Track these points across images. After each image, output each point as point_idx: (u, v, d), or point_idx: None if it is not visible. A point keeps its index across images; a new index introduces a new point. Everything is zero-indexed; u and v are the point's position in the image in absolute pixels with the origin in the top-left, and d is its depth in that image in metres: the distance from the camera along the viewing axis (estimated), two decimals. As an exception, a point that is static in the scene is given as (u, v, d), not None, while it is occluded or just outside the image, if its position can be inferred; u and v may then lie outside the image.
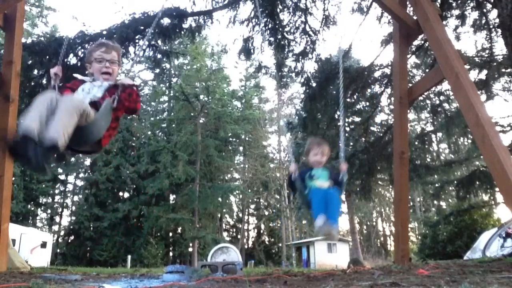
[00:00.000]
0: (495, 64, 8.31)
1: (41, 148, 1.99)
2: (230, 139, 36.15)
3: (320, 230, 3.00)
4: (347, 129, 13.62)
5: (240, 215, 39.15)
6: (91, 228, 32.35)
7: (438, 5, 7.01)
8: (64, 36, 8.30)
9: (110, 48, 2.87)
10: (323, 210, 3.00)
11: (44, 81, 8.20)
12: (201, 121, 33.49)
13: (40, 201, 35.76)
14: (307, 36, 9.41)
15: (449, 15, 8.51)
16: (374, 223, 44.08)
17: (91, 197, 33.14)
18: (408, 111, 5.76)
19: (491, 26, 7.99)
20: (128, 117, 36.40)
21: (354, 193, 11.08)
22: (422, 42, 8.06)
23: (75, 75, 2.87)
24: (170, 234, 34.39)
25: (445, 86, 8.66)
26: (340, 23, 19.95)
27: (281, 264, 29.04)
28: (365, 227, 43.30)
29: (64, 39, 7.84)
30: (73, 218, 34.59)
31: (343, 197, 24.12)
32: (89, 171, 35.71)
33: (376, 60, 9.42)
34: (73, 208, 36.42)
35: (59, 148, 2.05)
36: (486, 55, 8.42)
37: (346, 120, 14.70)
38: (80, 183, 37.30)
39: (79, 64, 8.14)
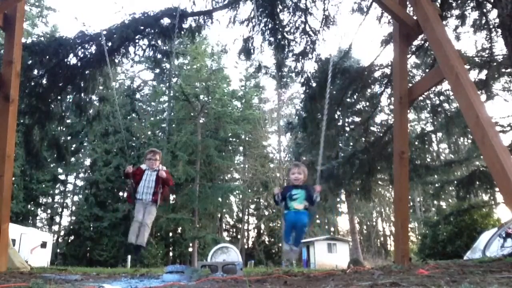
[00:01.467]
0: (495, 64, 8.31)
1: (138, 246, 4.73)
2: (230, 139, 36.11)
3: (285, 254, 4.70)
4: (347, 129, 13.62)
5: (240, 215, 39.14)
6: (91, 228, 32.32)
7: (438, 5, 7.02)
8: (64, 37, 8.29)
9: (155, 152, 5.00)
10: (289, 235, 4.09)
11: (44, 81, 8.21)
12: (201, 121, 33.48)
13: (40, 201, 35.74)
14: (307, 36, 9.40)
15: (449, 15, 8.51)
16: (374, 223, 44.06)
17: (91, 197, 33.12)
18: (408, 111, 5.76)
19: (491, 26, 7.99)
20: (128, 117, 36.46)
21: (354, 193, 11.08)
22: (422, 42, 8.06)
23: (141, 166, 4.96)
24: (170, 234, 34.38)
25: (445, 86, 8.66)
26: (340, 23, 19.98)
27: (281, 264, 29.01)
28: (365, 227, 43.26)
29: (65, 39, 7.87)
30: (73, 218, 34.57)
31: (343, 197, 24.21)
32: (89, 171, 35.68)
33: (376, 60, 9.42)
34: (73, 208, 36.40)
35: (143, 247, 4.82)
36: (486, 55, 8.42)
37: (346, 120, 14.69)
38: (80, 183, 37.29)
39: (79, 64, 8.15)
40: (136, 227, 4.68)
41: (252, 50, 9.76)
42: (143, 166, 4.93)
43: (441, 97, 9.55)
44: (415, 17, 5.36)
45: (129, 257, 25.01)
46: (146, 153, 5.09)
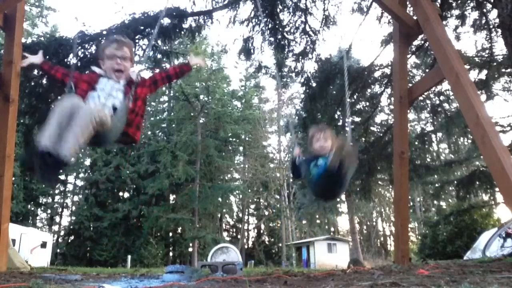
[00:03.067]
0: (495, 64, 8.31)
1: (52, 161, 2.09)
2: (230, 139, 36.11)
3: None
4: (347, 129, 13.60)
5: (240, 215, 39.14)
6: (91, 228, 32.32)
7: (438, 5, 7.01)
8: (64, 37, 8.29)
9: (121, 44, 2.84)
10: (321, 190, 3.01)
11: (44, 81, 8.20)
12: (201, 121, 33.47)
13: (40, 201, 35.73)
14: (307, 36, 9.40)
15: (449, 15, 8.50)
16: (374, 223, 44.05)
17: (91, 197, 33.12)
18: (408, 111, 5.76)
19: (491, 26, 7.99)
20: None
21: (354, 193, 11.08)
22: (422, 42, 8.05)
23: (92, 68, 2.91)
24: (170, 234, 34.37)
25: (445, 86, 8.67)
26: (340, 23, 19.99)
27: (281, 264, 29.02)
28: (365, 227, 43.25)
29: (65, 39, 7.85)
30: (73, 218, 34.57)
31: (343, 197, 24.18)
32: (89, 171, 35.68)
33: (376, 60, 9.43)
34: (73, 208, 36.40)
35: (69, 163, 2.16)
36: (486, 55, 8.42)
37: (346, 120, 14.68)
38: (80, 183, 37.29)
39: (79, 64, 8.14)
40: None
41: (252, 50, 9.75)
42: (97, 70, 2.91)
43: (441, 97, 9.56)
44: (415, 17, 5.36)
45: (129, 257, 25.03)
46: (103, 44, 3.02)
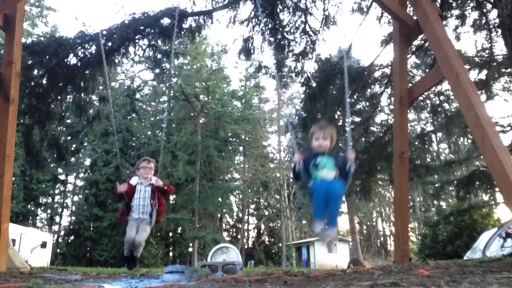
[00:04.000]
0: (495, 64, 8.31)
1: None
2: (230, 139, 36.12)
3: (319, 236, 3.07)
4: (347, 129, 13.59)
5: (240, 215, 39.13)
6: (91, 228, 32.31)
7: (438, 5, 7.02)
8: (64, 37, 8.29)
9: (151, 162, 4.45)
10: (322, 210, 3.03)
11: (44, 81, 8.20)
12: (201, 121, 33.47)
13: (40, 201, 35.71)
14: (307, 36, 9.40)
15: (449, 15, 8.51)
16: (374, 223, 44.05)
17: (91, 197, 33.10)
18: (408, 111, 5.76)
19: (491, 26, 7.99)
20: (128, 117, 36.46)
21: (354, 193, 11.07)
22: (422, 42, 8.06)
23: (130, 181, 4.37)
24: (170, 234, 34.36)
25: (445, 86, 8.66)
26: (340, 23, 19.94)
27: (281, 264, 29.01)
28: (365, 227, 43.25)
29: (65, 39, 7.84)
30: (73, 218, 34.56)
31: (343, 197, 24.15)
32: (89, 171, 35.66)
33: (376, 60, 9.43)
34: (73, 208, 36.39)
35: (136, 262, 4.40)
36: (486, 55, 8.42)
37: (346, 120, 14.67)
38: (80, 183, 37.26)
39: (79, 64, 8.15)
40: (128, 246, 4.09)
41: (252, 50, 9.75)
42: (133, 181, 4.33)
43: (441, 97, 9.55)
44: (415, 17, 5.36)
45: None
46: (138, 162, 4.50)
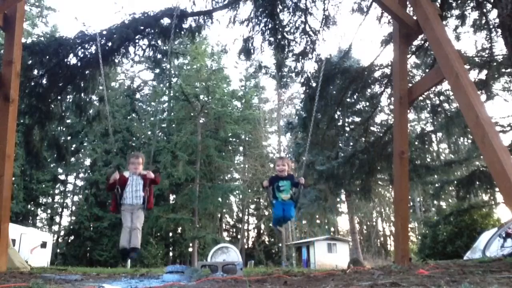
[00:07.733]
0: (495, 64, 8.31)
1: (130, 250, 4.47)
2: (230, 139, 36.10)
3: (277, 233, 4.82)
4: (347, 129, 13.61)
5: (240, 215, 39.12)
6: (91, 228, 32.31)
7: (438, 5, 7.02)
8: (64, 37, 8.29)
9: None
10: (278, 222, 4.69)
11: (44, 81, 8.20)
12: (201, 121, 33.46)
13: (40, 201, 35.71)
14: (307, 36, 9.40)
15: (449, 15, 8.50)
16: (374, 223, 44.03)
17: (91, 197, 33.09)
18: (408, 111, 5.76)
19: (491, 26, 7.98)
20: (128, 117, 36.45)
21: (354, 193, 11.08)
22: (422, 42, 8.05)
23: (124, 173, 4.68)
24: (170, 234, 34.37)
25: (445, 86, 8.65)
26: (340, 23, 19.99)
27: (281, 264, 29.02)
28: (365, 227, 43.24)
29: (65, 39, 7.84)
30: (73, 218, 34.55)
31: (343, 197, 24.20)
32: (89, 171, 35.66)
33: (376, 60, 9.41)
34: (73, 208, 36.38)
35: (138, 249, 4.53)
36: (486, 55, 8.41)
37: (346, 120, 14.69)
38: (80, 183, 37.26)
39: (79, 64, 8.15)
40: (126, 233, 4.43)
41: (252, 50, 9.74)
42: (126, 173, 4.69)
43: (441, 97, 9.54)
44: (415, 17, 5.36)
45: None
46: (128, 157, 4.95)
